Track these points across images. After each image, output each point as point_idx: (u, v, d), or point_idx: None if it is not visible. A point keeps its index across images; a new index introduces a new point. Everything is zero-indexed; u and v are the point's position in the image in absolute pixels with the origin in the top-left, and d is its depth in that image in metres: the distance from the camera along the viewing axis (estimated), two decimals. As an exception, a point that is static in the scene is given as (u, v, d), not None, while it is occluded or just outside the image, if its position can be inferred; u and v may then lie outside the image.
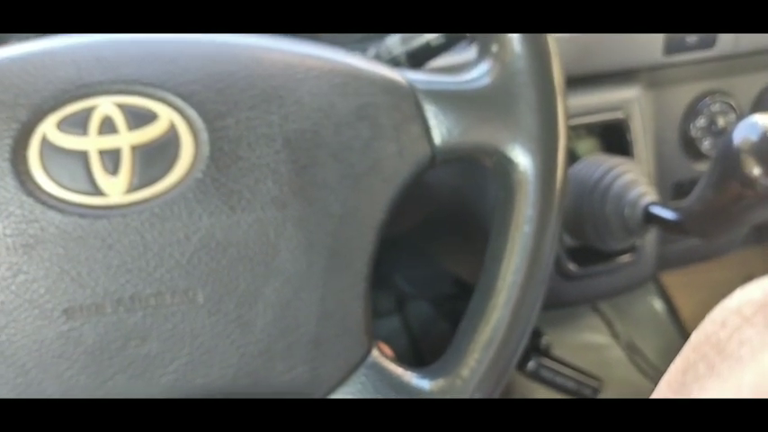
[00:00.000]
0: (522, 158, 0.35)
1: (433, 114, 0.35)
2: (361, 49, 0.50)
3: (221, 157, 0.32)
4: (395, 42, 0.44)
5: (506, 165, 0.35)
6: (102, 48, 0.33)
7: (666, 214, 0.45)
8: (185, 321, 0.33)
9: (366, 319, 0.35)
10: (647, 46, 0.55)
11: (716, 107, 0.60)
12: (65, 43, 0.33)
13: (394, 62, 0.44)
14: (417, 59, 0.44)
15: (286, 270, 0.33)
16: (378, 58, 0.44)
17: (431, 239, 0.65)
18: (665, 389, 0.18)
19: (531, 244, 0.35)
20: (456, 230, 0.61)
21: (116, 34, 0.34)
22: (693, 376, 0.17)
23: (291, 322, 0.34)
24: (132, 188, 0.32)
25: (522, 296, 0.35)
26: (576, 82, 0.54)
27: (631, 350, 0.84)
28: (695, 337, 0.18)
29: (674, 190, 0.60)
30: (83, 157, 0.31)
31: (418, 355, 0.85)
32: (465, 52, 0.50)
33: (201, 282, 0.33)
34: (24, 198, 0.31)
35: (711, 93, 0.60)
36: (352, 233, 0.34)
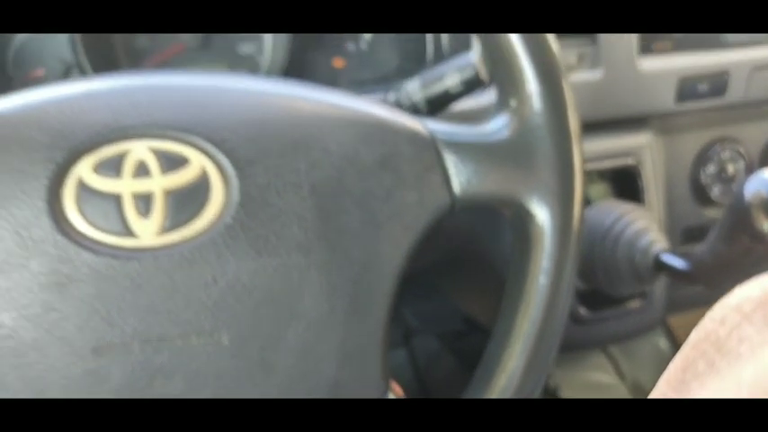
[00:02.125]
0: (540, 211, 0.36)
1: (452, 164, 0.36)
2: (383, 91, 0.52)
3: (250, 202, 0.33)
4: (415, 88, 0.45)
5: (524, 216, 0.36)
6: (137, 93, 0.34)
7: (677, 263, 0.46)
8: (210, 362, 0.34)
9: (383, 362, 0.36)
10: (660, 93, 0.56)
11: (726, 154, 0.61)
12: (100, 87, 0.34)
13: (414, 108, 0.45)
14: (436, 105, 0.45)
15: (308, 314, 0.34)
16: (398, 102, 0.45)
17: (441, 276, 0.66)
18: (665, 387, 0.18)
19: (547, 295, 0.36)
20: (468, 270, 0.62)
21: (151, 78, 0.35)
22: (693, 373, 0.17)
23: (312, 366, 0.35)
24: (163, 231, 0.33)
25: (538, 346, 0.36)
26: (589, 128, 0.55)
27: (637, 390, 0.84)
28: (695, 335, 0.18)
29: (684, 235, 0.61)
30: (116, 199, 0.32)
31: (423, 389, 0.85)
32: (481, 97, 0.51)
33: (227, 324, 0.33)
34: (59, 238, 0.32)
35: (721, 140, 0.61)
36: (373, 279, 0.35)
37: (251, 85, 0.35)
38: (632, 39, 0.54)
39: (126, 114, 0.33)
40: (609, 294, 0.51)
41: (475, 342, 0.81)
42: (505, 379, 0.36)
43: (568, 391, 0.62)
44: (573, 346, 0.56)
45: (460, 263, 0.60)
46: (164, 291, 0.33)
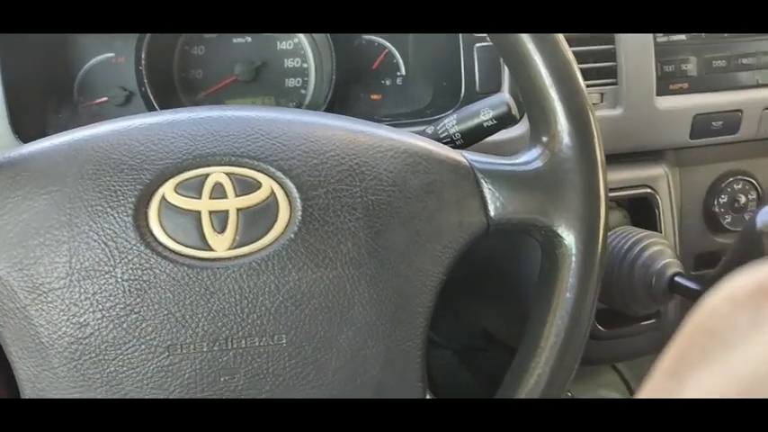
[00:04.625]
0: (567, 235, 0.40)
1: (489, 191, 0.40)
2: (418, 124, 0.56)
3: (311, 221, 0.38)
4: (451, 122, 0.49)
5: (553, 239, 0.40)
6: (215, 123, 0.39)
7: (690, 285, 0.50)
8: (270, 362, 0.38)
9: (422, 367, 0.40)
10: (676, 130, 0.60)
11: (738, 186, 0.64)
12: (182, 117, 0.39)
13: (450, 140, 0.49)
14: (471, 139, 0.49)
15: (358, 321, 0.38)
16: (435, 135, 0.50)
17: (464, 294, 0.70)
18: (660, 375, 0.18)
19: (572, 309, 0.40)
20: (489, 288, 0.65)
21: (227, 111, 0.39)
22: (686, 363, 0.17)
23: (359, 368, 0.39)
24: (235, 245, 0.37)
25: (563, 355, 0.40)
26: (610, 159, 0.59)
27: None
28: (688, 324, 0.18)
29: (697, 261, 0.64)
30: (195, 216, 0.37)
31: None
32: (509, 131, 0.56)
33: (286, 328, 0.38)
34: (142, 249, 0.37)
35: (734, 173, 0.64)
36: (415, 291, 0.39)
37: (314, 118, 0.40)
38: (651, 80, 0.59)
39: (206, 143, 0.38)
40: (625, 313, 0.55)
41: (492, 358, 0.85)
42: (533, 385, 0.40)
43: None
44: (590, 361, 0.59)
45: (482, 282, 0.64)
46: (232, 297, 0.37)
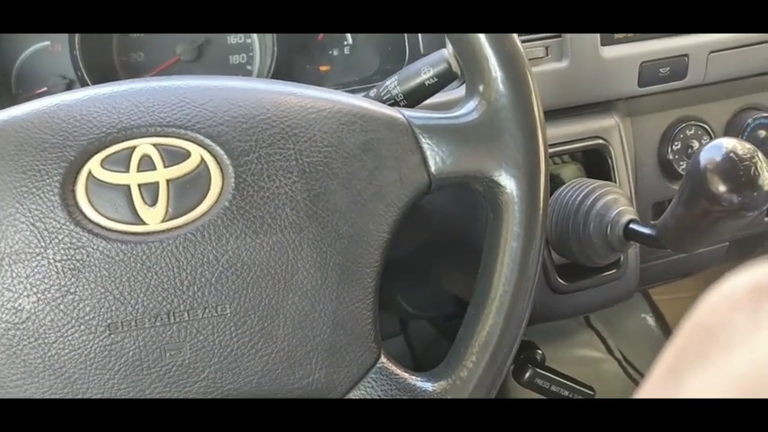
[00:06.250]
0: (508, 183, 0.39)
1: (428, 146, 0.40)
2: (364, 90, 0.56)
3: (245, 187, 0.37)
4: (393, 84, 0.49)
5: (494, 189, 0.40)
6: (138, 95, 0.37)
7: (645, 230, 0.50)
8: (215, 333, 0.37)
9: (374, 327, 0.40)
10: (623, 79, 0.60)
11: (691, 131, 0.64)
12: (104, 92, 0.38)
13: (393, 102, 0.49)
14: (413, 99, 0.48)
15: (303, 285, 0.38)
16: (378, 97, 0.49)
17: (431, 262, 0.69)
18: (659, 373, 0.18)
19: (519, 258, 0.39)
20: (452, 252, 0.65)
21: (150, 82, 0.38)
22: (686, 361, 0.17)
23: (309, 332, 0.38)
24: (168, 217, 0.36)
25: (513, 304, 0.40)
26: (560, 113, 0.59)
27: (625, 363, 0.88)
28: (687, 323, 0.18)
29: (655, 209, 0.64)
30: (125, 190, 0.36)
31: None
32: (455, 92, 0.55)
33: (229, 297, 0.37)
34: (72, 228, 0.36)
35: (686, 119, 0.64)
36: (360, 251, 0.39)
37: (241, 83, 0.39)
38: (594, 29, 0.58)
39: (130, 115, 0.37)
40: (585, 265, 0.54)
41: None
42: (486, 336, 0.40)
43: (557, 365, 0.66)
44: (555, 315, 0.59)
45: (446, 247, 0.64)
46: (170, 270, 0.36)
